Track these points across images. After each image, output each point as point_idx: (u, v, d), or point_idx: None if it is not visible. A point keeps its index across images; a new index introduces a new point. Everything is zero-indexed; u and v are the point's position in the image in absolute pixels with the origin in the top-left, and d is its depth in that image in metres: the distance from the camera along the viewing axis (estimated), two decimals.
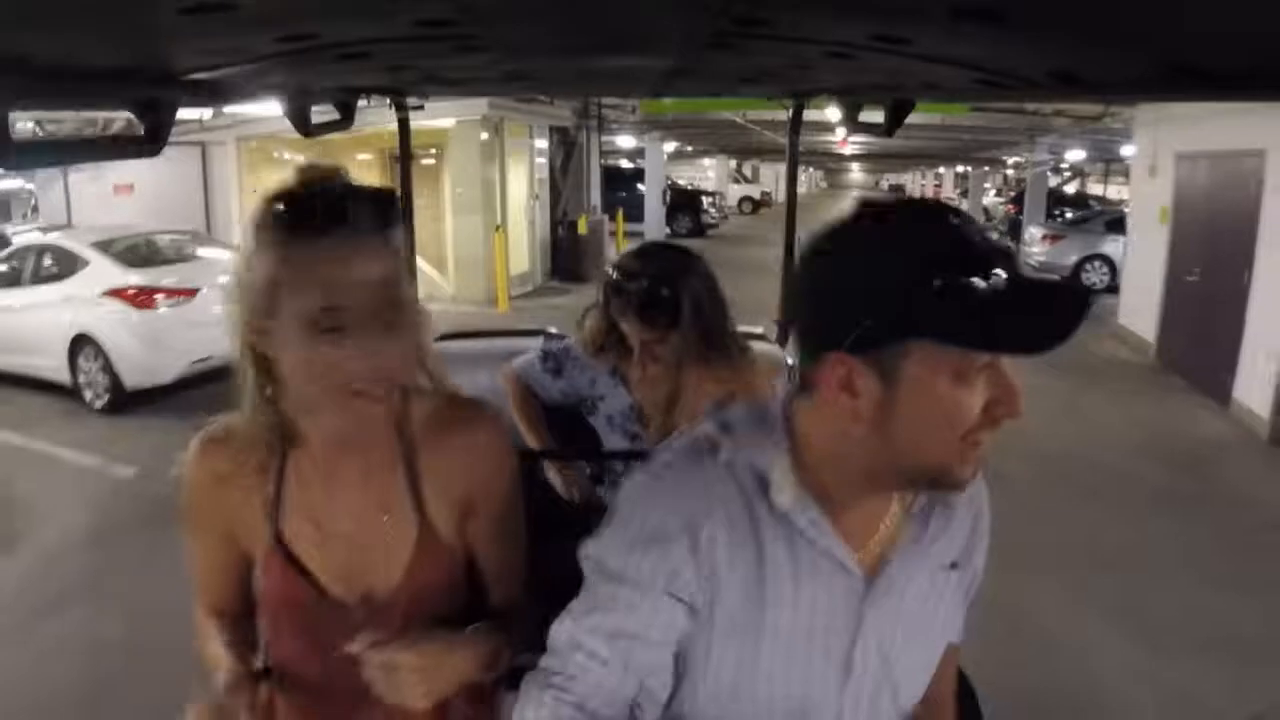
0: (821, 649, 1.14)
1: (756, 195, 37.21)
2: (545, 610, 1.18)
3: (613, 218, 18.64)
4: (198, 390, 7.75)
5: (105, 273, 8.26)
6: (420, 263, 14.45)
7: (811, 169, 61.81)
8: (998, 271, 0.96)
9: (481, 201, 14.11)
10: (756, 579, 1.12)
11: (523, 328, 3.08)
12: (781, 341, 2.67)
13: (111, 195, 15.11)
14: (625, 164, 25.34)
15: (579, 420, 2.52)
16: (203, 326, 7.73)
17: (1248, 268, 7.88)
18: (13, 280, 9.08)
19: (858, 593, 1.14)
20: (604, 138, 19.98)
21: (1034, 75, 1.31)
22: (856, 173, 65.91)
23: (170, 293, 8.12)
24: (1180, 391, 8.99)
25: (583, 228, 16.20)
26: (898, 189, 58.75)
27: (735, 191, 35.93)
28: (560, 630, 1.13)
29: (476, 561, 1.42)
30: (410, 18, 1.10)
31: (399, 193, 2.33)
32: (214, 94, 1.56)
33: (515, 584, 1.44)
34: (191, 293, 8.18)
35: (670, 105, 11.68)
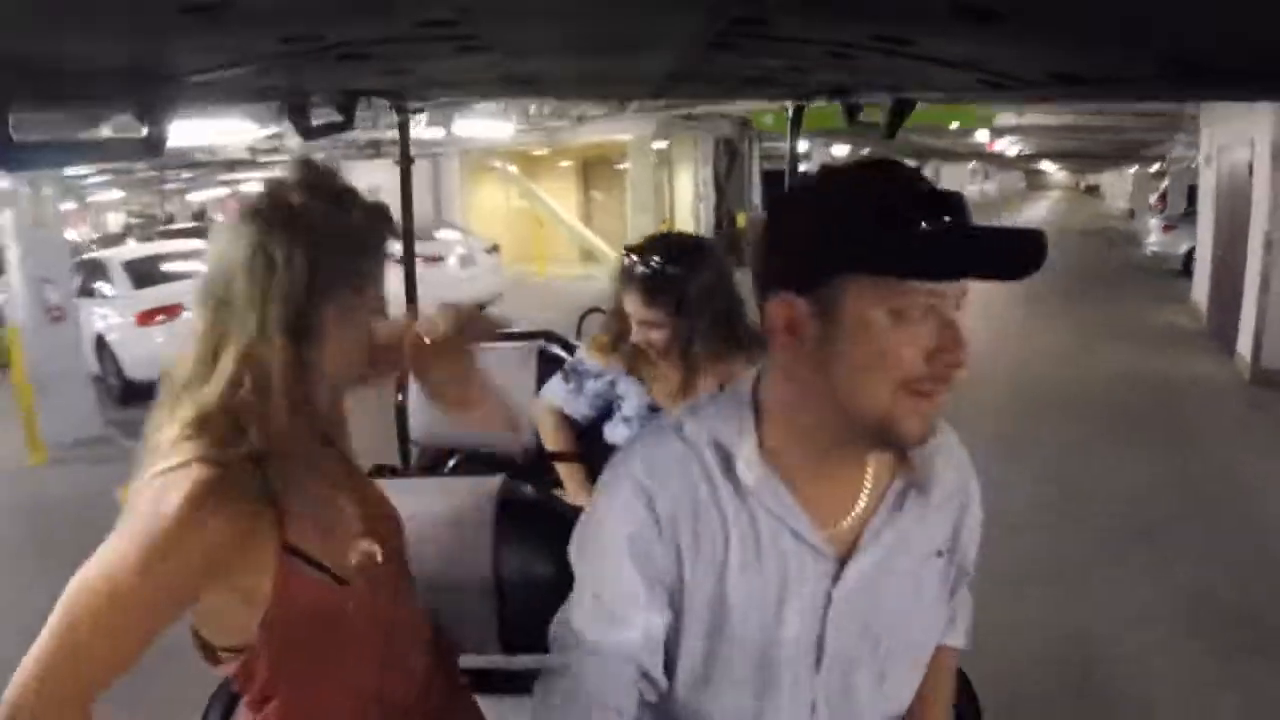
0: (792, 631, 1.13)
1: None
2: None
3: None
4: None
5: None
6: (604, 246, 17.74)
7: (1003, 171, 61.22)
8: (944, 217, 0.97)
9: (653, 201, 17.38)
10: (722, 559, 1.12)
11: (524, 330, 3.17)
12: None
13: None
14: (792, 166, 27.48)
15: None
16: (444, 282, 11.51)
17: (1244, 239, 9.68)
18: None
19: (828, 574, 1.13)
20: (771, 144, 22.54)
21: (1034, 75, 1.32)
22: (1057, 173, 64.64)
23: (426, 258, 11.70)
24: (1209, 351, 10.62)
25: (741, 224, 19.03)
26: (1093, 189, 57.45)
27: None
28: (559, 627, 1.17)
29: None
30: (411, 19, 1.11)
31: (402, 196, 2.66)
32: (215, 96, 1.49)
33: None
34: (439, 258, 12.02)
35: (831, 119, 13.52)
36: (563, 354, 2.91)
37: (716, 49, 1.41)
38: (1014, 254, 0.96)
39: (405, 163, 2.79)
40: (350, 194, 1.31)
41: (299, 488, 1.24)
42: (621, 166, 18.79)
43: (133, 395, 9.35)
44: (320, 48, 1.24)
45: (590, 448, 2.53)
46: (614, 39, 1.45)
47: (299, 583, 1.23)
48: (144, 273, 10.02)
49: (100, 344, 9.59)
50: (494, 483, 1.76)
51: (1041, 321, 12.24)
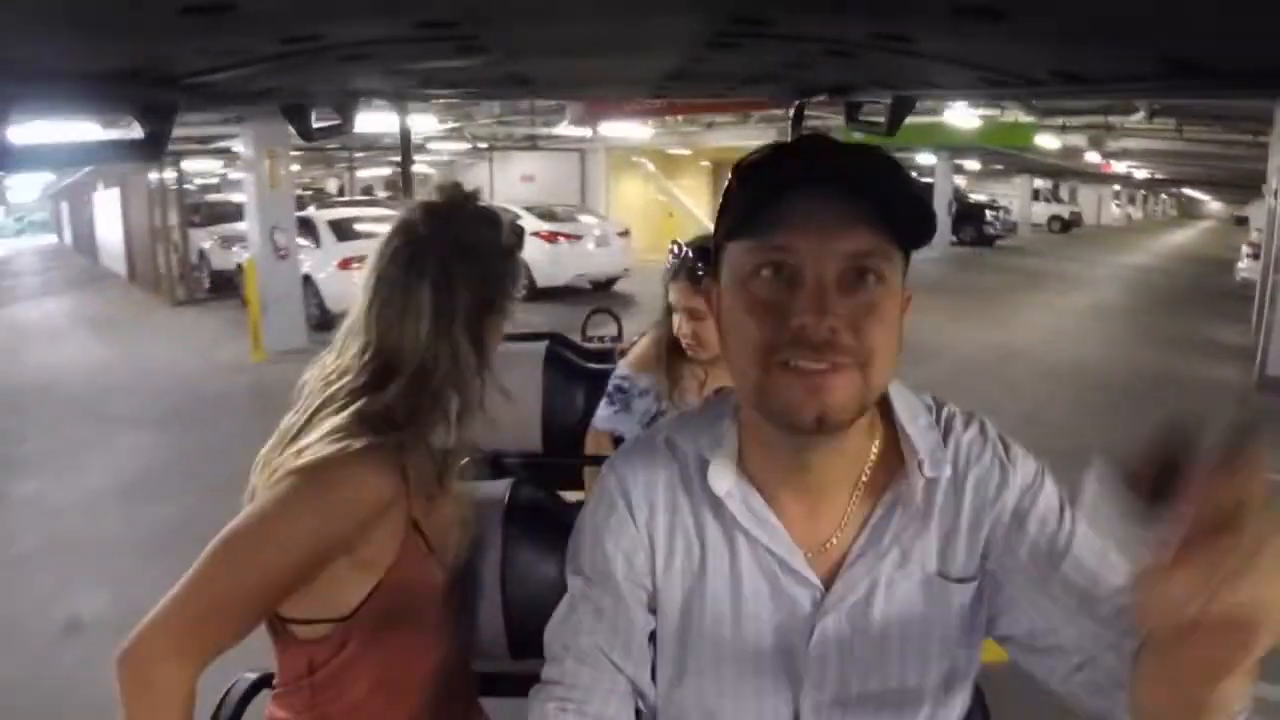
0: (767, 645, 1.07)
1: (1066, 215, 37.94)
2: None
3: None
4: (572, 294, 13.82)
5: (532, 223, 14.28)
6: None
7: (1161, 196, 59.37)
8: (821, 178, 0.91)
9: None
10: (696, 570, 1.07)
11: (527, 331, 3.10)
12: None
13: (519, 181, 21.78)
14: (925, 179, 27.82)
15: None
16: (581, 257, 14.05)
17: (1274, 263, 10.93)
18: None
19: (808, 596, 1.05)
20: (898, 154, 23.90)
21: (1035, 73, 1.32)
22: (1211, 203, 62.44)
23: (567, 236, 14.30)
24: (1239, 362, 11.45)
25: None
26: (1242, 221, 55.65)
27: (1041, 210, 37.06)
28: (550, 636, 1.12)
29: None
30: (411, 20, 1.09)
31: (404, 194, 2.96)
32: (214, 98, 1.50)
33: None
34: (578, 237, 14.45)
35: (951, 137, 14.64)
36: (571, 356, 2.94)
37: (716, 48, 1.40)
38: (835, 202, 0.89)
39: (406, 165, 2.85)
40: (495, 215, 1.45)
41: (420, 472, 1.33)
42: None
43: (329, 322, 11.96)
44: (320, 49, 1.23)
45: None
46: (614, 39, 1.45)
47: (412, 557, 1.34)
48: (344, 229, 12.89)
49: (306, 281, 12.20)
50: (503, 487, 1.72)
51: (1102, 329, 13.57)
